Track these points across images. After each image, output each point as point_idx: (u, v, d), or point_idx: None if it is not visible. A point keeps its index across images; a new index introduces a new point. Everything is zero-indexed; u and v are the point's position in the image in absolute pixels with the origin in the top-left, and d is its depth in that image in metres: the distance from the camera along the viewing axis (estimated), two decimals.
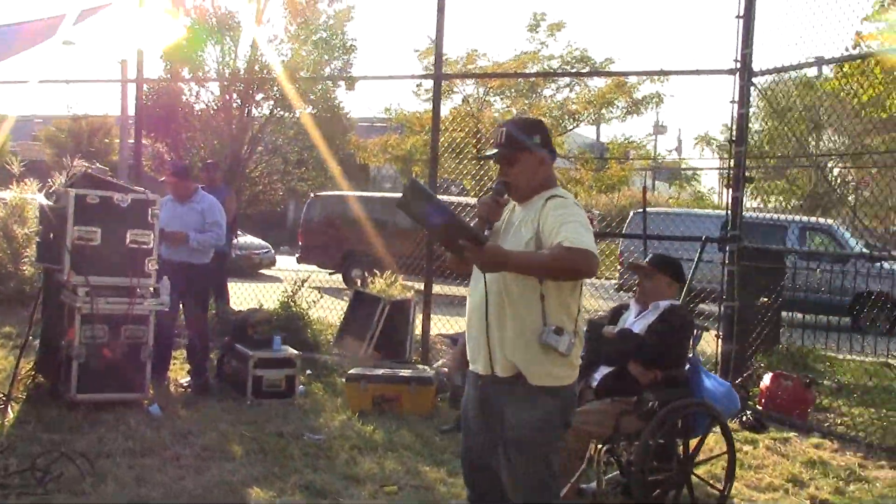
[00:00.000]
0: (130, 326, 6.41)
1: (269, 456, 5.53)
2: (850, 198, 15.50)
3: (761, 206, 10.10)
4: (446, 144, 16.56)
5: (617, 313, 5.11)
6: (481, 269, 3.15)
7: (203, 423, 6.21)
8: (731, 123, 7.44)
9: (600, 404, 4.57)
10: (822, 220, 14.35)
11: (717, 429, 4.93)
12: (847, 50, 8.44)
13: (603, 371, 4.67)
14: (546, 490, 3.24)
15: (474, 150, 14.71)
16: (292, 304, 9.16)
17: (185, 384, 7.30)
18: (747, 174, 7.42)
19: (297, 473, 5.20)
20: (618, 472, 4.76)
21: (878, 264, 12.64)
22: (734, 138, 7.37)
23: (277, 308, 9.06)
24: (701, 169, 27.03)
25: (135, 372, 6.42)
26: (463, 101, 17.69)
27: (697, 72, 7.77)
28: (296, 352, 7.30)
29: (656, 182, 32.51)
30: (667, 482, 4.61)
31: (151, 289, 6.53)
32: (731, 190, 7.45)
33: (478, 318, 3.27)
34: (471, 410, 3.40)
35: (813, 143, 11.91)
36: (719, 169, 25.99)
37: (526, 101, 17.05)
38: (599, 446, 4.58)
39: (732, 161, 7.40)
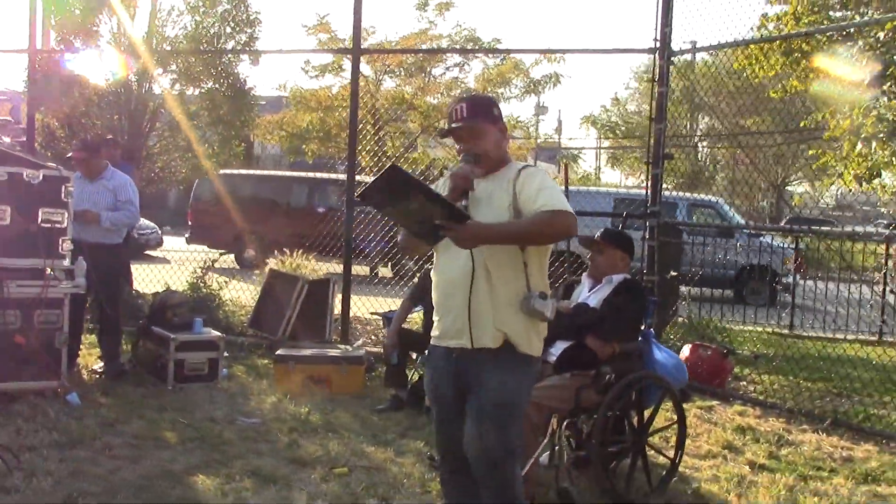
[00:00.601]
0: (44, 311, 6.02)
1: (206, 442, 5.32)
2: (718, 177, 16.25)
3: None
4: (341, 121, 16.35)
5: (569, 289, 5.15)
6: (462, 245, 3.13)
7: (128, 410, 5.92)
8: (651, 101, 7.57)
9: (559, 379, 4.58)
10: (708, 197, 14.92)
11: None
12: (753, 30, 8.80)
13: (560, 346, 4.69)
14: (513, 454, 3.29)
15: (371, 127, 14.54)
16: (202, 285, 8.86)
17: (99, 370, 6.93)
18: (666, 151, 7.57)
19: (240, 459, 5.03)
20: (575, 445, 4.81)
21: (759, 239, 13.31)
22: (654, 116, 7.51)
23: (187, 290, 8.75)
24: (589, 148, 27.64)
25: (50, 359, 6.04)
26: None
27: (618, 50, 7.89)
28: (219, 334, 7.04)
29: (538, 162, 33.05)
30: (623, 453, 4.69)
31: (66, 270, 6.16)
32: (650, 167, 7.59)
33: (460, 292, 3.24)
34: (442, 385, 3.39)
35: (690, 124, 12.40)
36: (609, 149, 26.62)
37: (418, 80, 16.89)
38: (559, 420, 4.60)
39: (653, 139, 7.53)
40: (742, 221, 14.12)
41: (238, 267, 16.17)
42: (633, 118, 31.92)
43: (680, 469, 5.02)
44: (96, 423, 5.55)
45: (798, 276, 14.10)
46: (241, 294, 9.57)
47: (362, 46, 16.06)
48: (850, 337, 10.69)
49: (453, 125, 3.33)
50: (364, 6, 8.06)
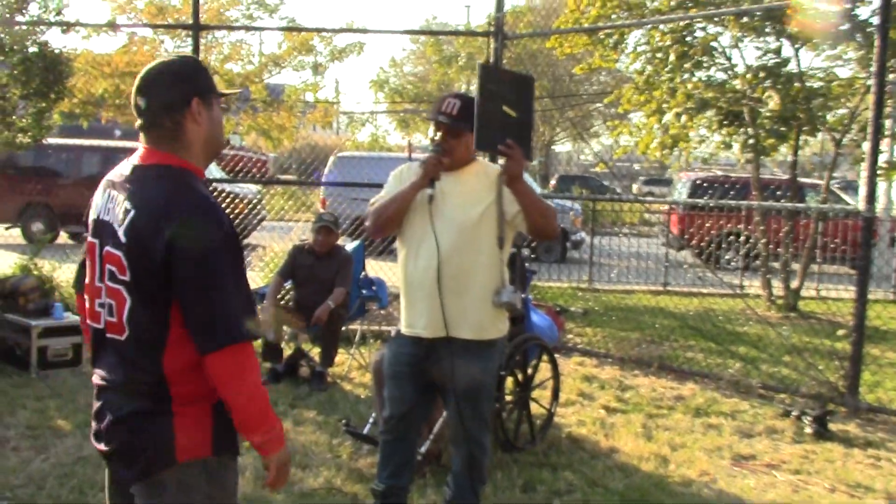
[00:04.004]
0: None
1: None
2: None
3: None
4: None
5: None
6: (509, 168, 3.34)
7: (4, 401, 5.80)
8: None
9: None
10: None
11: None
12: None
13: None
14: (486, 427, 3.75)
15: None
16: (33, 267, 8.53)
17: None
18: None
19: None
20: None
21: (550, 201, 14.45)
22: None
23: (15, 273, 8.40)
24: (384, 112, 28.10)
25: None
26: (129, 40, 16.83)
27: (456, 33, 8.39)
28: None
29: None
30: (511, 407, 5.30)
31: None
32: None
33: (429, 284, 3.50)
34: (403, 367, 3.69)
35: None
36: (403, 112, 27.18)
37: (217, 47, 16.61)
38: None
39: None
40: (536, 186, 15.26)
41: (27, 242, 15.32)
42: (410, 79, 32.86)
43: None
44: None
45: (584, 234, 15.50)
46: (67, 274, 9.26)
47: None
48: (641, 288, 12.05)
49: (440, 117, 3.54)
50: None
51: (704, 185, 14.68)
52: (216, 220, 2.20)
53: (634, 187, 32.85)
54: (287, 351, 6.92)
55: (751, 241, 11.97)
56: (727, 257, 13.90)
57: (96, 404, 2.35)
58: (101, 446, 2.31)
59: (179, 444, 2.21)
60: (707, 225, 12.77)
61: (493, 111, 3.30)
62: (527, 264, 5.87)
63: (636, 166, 37.85)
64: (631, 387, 6.80)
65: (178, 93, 2.29)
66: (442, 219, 3.52)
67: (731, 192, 12.72)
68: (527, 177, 3.52)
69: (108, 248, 2.25)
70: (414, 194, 3.55)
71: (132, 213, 2.20)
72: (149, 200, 2.19)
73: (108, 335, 2.28)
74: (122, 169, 2.32)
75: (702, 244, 12.88)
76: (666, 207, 15.54)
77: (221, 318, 2.14)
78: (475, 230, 3.53)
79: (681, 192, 16.04)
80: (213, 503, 2.27)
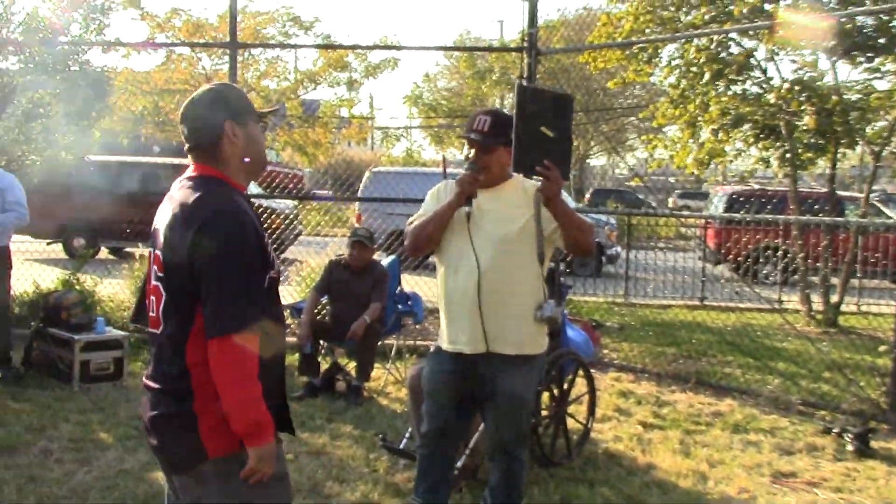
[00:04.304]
0: None
1: (144, 440, 5.43)
2: None
3: None
4: (174, 106, 16.05)
5: None
6: (545, 189, 3.35)
7: (49, 414, 5.90)
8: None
9: None
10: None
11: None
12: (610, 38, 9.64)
13: None
14: (525, 441, 3.80)
15: None
16: (76, 282, 8.68)
17: None
18: None
19: None
20: None
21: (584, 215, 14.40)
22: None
23: (58, 288, 8.55)
24: (418, 127, 28.28)
25: None
26: (168, 58, 17.10)
27: (490, 49, 8.43)
28: (123, 333, 7.06)
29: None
30: (547, 421, 5.29)
31: None
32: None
33: (469, 300, 3.52)
34: (442, 383, 3.72)
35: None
36: (437, 127, 27.32)
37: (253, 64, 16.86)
38: None
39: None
40: (570, 200, 15.23)
41: (68, 257, 15.57)
42: (444, 94, 32.98)
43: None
44: (23, 430, 5.53)
45: (619, 248, 15.44)
46: (108, 289, 9.42)
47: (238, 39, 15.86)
48: (678, 302, 11.97)
49: (472, 135, 3.58)
50: None
51: (741, 198, 14.56)
52: (237, 226, 2.39)
53: (670, 201, 32.65)
54: (324, 365, 6.97)
55: (789, 255, 11.84)
56: (765, 272, 13.76)
57: (143, 400, 2.58)
58: (149, 440, 2.54)
59: (206, 443, 2.40)
60: (744, 239, 12.66)
61: (531, 132, 3.31)
62: (562, 279, 5.88)
63: (672, 179, 37.64)
64: (668, 402, 6.76)
65: (213, 117, 2.52)
66: (480, 235, 3.55)
67: (769, 206, 12.61)
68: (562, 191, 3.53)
69: (156, 251, 2.50)
70: (451, 213, 3.58)
71: (170, 216, 2.46)
72: (183, 204, 2.44)
73: (150, 330, 2.53)
74: (176, 183, 2.56)
75: (739, 258, 12.77)
76: (702, 221, 15.43)
77: (222, 311, 2.32)
78: (514, 246, 3.55)
79: (717, 206, 15.92)
80: (252, 497, 2.42)
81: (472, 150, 3.60)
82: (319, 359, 6.89)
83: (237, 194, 2.50)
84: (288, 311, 7.12)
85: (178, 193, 2.50)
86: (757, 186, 16.86)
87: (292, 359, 6.88)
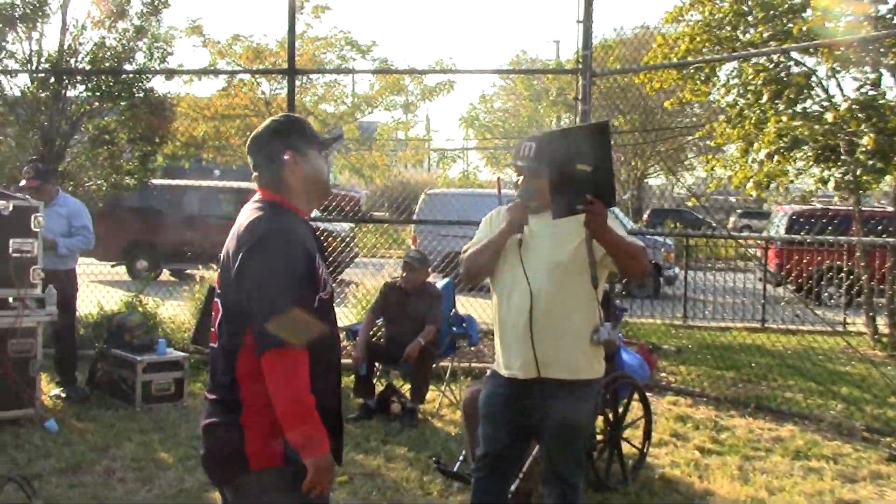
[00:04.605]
0: (18, 340, 6.08)
1: None
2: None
3: None
4: (238, 130, 16.38)
5: None
6: (591, 224, 3.30)
7: (112, 434, 6.05)
8: (576, 118, 8.19)
9: None
10: None
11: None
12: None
13: None
14: (580, 468, 3.77)
15: None
16: (138, 304, 8.90)
17: (63, 395, 6.96)
18: None
19: None
20: None
21: (647, 237, 14.28)
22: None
23: (121, 309, 8.77)
24: (474, 149, 28.46)
25: (25, 387, 6.11)
26: (229, 84, 17.41)
27: (544, 71, 8.46)
28: (183, 354, 7.21)
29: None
30: (602, 445, 5.26)
31: (37, 299, 6.21)
32: None
33: (522, 326, 3.51)
34: (498, 406, 3.70)
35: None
36: (493, 148, 27.44)
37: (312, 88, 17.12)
38: None
39: None
40: (629, 222, 15.14)
41: (131, 279, 15.93)
42: (500, 115, 33.08)
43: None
44: (87, 449, 5.68)
45: (678, 269, 15.25)
46: (169, 310, 9.61)
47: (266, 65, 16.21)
48: (737, 325, 11.77)
49: (519, 163, 3.63)
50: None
51: (802, 219, 14.28)
52: (284, 246, 2.50)
53: (731, 220, 32.14)
54: (379, 387, 7.02)
55: (853, 276, 11.57)
56: (828, 293, 13.46)
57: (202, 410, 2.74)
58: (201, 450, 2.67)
59: (250, 453, 2.49)
60: (805, 260, 12.42)
61: (564, 176, 3.26)
62: (617, 301, 5.84)
63: (732, 199, 37.06)
64: (726, 427, 6.65)
65: (275, 148, 2.66)
66: (533, 261, 3.55)
67: (830, 227, 12.36)
68: (617, 211, 3.52)
69: (220, 270, 2.65)
70: (504, 242, 3.60)
71: (231, 236, 2.61)
72: (241, 226, 2.58)
73: (211, 344, 2.66)
74: (245, 205, 2.70)
75: (800, 280, 12.53)
76: (761, 242, 15.17)
77: (268, 327, 2.40)
78: (567, 270, 3.54)
79: (778, 226, 15.64)
80: None
81: (521, 178, 3.64)
82: (375, 380, 6.94)
83: (297, 219, 2.62)
84: (344, 333, 7.20)
85: (242, 216, 2.64)
86: (819, 206, 16.54)
87: (348, 380, 6.92)
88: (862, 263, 10.53)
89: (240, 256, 2.49)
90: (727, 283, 13.22)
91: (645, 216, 26.69)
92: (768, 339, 10.50)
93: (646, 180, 34.21)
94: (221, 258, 2.63)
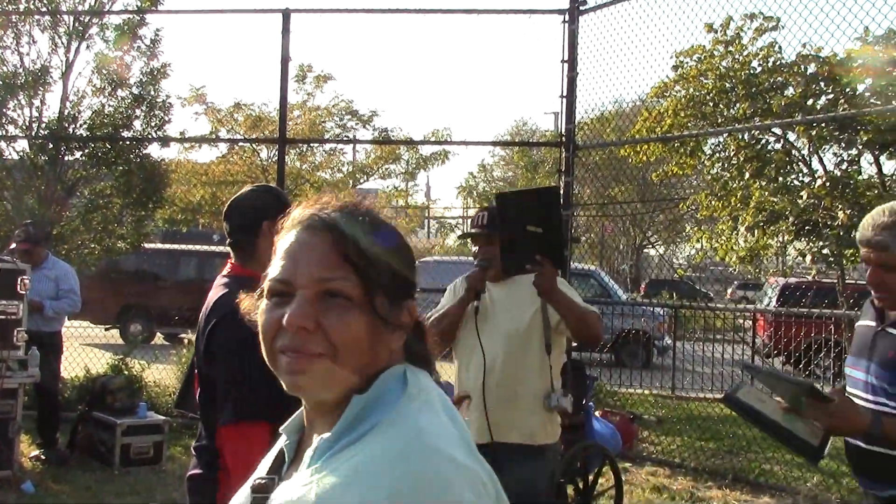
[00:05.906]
0: None
1: None
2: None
3: None
4: (230, 196, 16.57)
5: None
6: (539, 283, 3.44)
7: (88, 497, 6.09)
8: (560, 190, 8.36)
9: None
10: (586, 266, 15.91)
11: None
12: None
13: None
14: None
15: None
16: (123, 367, 8.95)
17: (43, 456, 6.99)
18: (574, 235, 8.36)
19: None
20: None
21: (640, 307, 14.37)
22: (562, 203, 8.30)
23: (107, 372, 8.82)
24: (467, 217, 28.69)
25: (3, 448, 6.16)
26: (229, 150, 17.70)
27: (529, 144, 8.67)
28: (163, 417, 7.26)
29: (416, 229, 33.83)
30: None
31: (19, 361, 6.30)
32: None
33: (476, 394, 3.57)
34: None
35: None
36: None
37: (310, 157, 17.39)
38: None
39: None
40: (619, 291, 15.25)
41: (124, 343, 15.98)
42: (499, 184, 33.40)
43: None
44: None
45: (668, 339, 15.28)
46: (155, 374, 9.66)
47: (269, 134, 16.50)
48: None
49: (474, 230, 3.76)
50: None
51: (795, 290, 14.33)
52: (247, 326, 2.52)
53: (728, 291, 32.16)
54: None
55: (839, 348, 11.59)
56: (815, 364, 13.44)
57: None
58: None
59: None
60: (792, 331, 12.46)
61: (515, 235, 3.45)
62: (588, 371, 5.92)
63: (731, 270, 37.11)
64: (702, 499, 6.66)
65: (250, 218, 2.74)
66: (489, 329, 3.65)
67: (818, 299, 12.43)
68: (562, 282, 3.62)
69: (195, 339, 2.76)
70: (462, 309, 3.70)
71: (203, 311, 2.68)
72: (210, 302, 2.66)
73: (198, 411, 2.72)
74: (216, 279, 2.80)
75: (788, 351, 12.55)
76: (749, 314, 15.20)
77: (229, 402, 2.48)
78: (524, 338, 3.63)
79: (770, 298, 15.71)
80: None
81: (477, 247, 3.75)
82: None
83: None
84: None
85: (213, 291, 2.71)
86: (810, 278, 16.60)
87: None
88: (847, 335, 10.57)
89: (207, 332, 2.58)
90: (716, 354, 13.22)
91: (642, 286, 26.74)
92: None
93: (646, 250, 34.43)
94: (198, 327, 2.71)
